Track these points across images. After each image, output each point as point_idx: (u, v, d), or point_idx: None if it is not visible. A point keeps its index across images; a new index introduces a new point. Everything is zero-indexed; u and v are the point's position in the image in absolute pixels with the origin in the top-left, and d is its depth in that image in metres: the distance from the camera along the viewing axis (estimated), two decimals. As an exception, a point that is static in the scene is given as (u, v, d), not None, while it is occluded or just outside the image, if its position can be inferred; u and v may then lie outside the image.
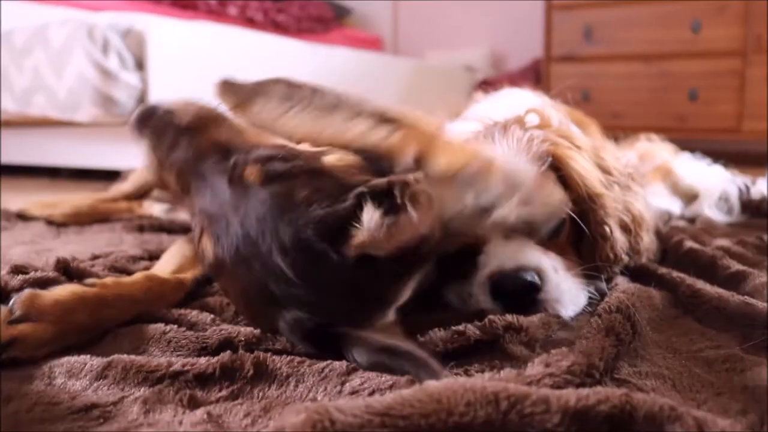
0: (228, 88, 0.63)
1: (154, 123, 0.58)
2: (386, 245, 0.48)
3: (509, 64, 3.70)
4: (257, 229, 0.50)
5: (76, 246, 1.00)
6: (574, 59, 2.77)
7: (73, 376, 0.49)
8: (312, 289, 0.50)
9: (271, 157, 0.54)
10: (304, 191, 0.51)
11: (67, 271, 0.70)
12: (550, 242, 0.67)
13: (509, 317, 0.56)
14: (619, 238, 0.69)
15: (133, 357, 0.50)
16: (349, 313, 0.51)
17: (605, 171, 0.71)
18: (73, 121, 2.04)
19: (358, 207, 0.49)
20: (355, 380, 0.46)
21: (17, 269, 0.67)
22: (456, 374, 0.50)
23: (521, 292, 0.61)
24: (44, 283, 0.63)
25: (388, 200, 0.49)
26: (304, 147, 0.59)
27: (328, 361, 0.48)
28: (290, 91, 0.61)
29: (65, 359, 0.51)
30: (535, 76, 3.08)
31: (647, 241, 0.75)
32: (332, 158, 0.56)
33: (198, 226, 0.56)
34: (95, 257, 0.83)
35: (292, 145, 0.58)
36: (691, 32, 2.54)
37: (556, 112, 0.84)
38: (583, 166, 0.68)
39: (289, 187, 0.51)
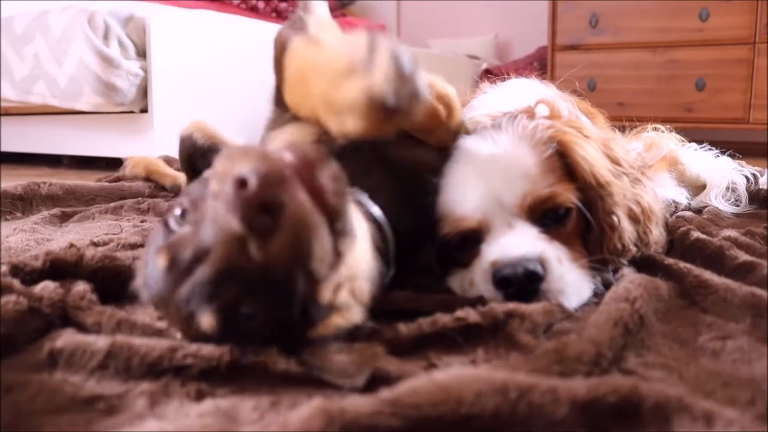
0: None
1: None
2: None
3: (513, 53, 3.67)
4: None
5: (76, 234, 1.00)
6: (579, 48, 2.74)
7: (74, 364, 0.48)
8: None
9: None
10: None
11: (56, 265, 0.66)
12: (555, 232, 0.66)
13: (511, 304, 0.56)
14: (627, 229, 0.68)
15: (133, 342, 0.49)
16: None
17: (614, 161, 0.70)
18: (74, 110, 2.03)
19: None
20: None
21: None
22: (462, 364, 0.49)
23: (523, 282, 0.60)
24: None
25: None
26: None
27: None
28: None
29: (61, 341, 0.49)
30: (540, 65, 3.06)
31: (656, 234, 0.73)
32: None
33: None
34: (95, 245, 0.83)
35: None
36: (699, 20, 2.51)
37: (565, 103, 0.83)
38: (590, 153, 0.67)
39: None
